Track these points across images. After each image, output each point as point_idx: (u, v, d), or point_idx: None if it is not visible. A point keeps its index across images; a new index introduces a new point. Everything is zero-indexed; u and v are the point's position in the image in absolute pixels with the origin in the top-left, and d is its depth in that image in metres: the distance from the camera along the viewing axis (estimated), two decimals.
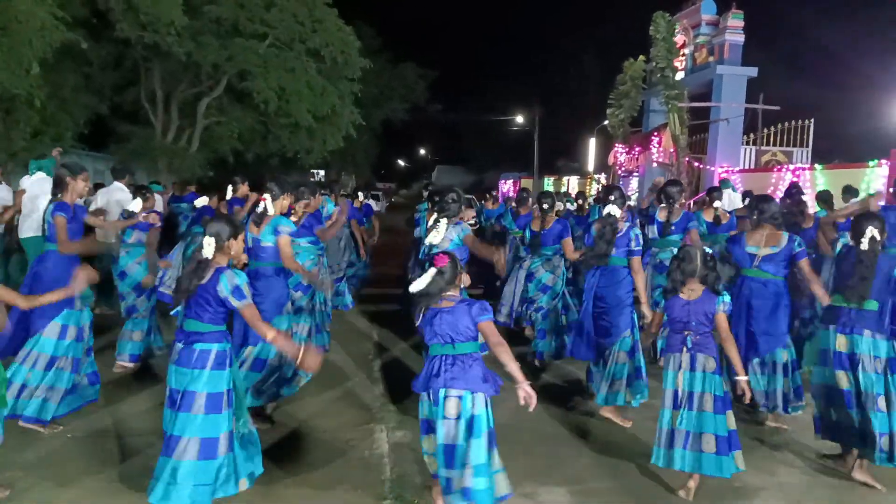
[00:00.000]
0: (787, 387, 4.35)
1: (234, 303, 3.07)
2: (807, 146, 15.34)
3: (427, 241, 4.58)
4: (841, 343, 3.74)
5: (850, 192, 7.10)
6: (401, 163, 63.36)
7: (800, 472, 3.83)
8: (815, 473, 3.81)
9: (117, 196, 6.65)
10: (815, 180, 11.12)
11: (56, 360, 4.04)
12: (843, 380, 3.72)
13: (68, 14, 11.21)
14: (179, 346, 3.13)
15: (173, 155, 16.07)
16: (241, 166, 19.53)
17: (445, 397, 2.97)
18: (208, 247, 3.09)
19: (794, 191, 6.24)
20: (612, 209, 4.59)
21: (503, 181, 32.09)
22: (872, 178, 10.01)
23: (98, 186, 7.99)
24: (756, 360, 4.39)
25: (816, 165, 11.54)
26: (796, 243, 4.33)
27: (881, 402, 3.59)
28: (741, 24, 15.66)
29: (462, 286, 3.26)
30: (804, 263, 4.29)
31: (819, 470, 3.84)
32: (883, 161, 9.90)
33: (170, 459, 3.00)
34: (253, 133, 17.65)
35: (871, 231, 3.69)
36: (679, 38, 16.82)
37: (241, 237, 3.30)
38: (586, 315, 4.71)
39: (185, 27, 12.99)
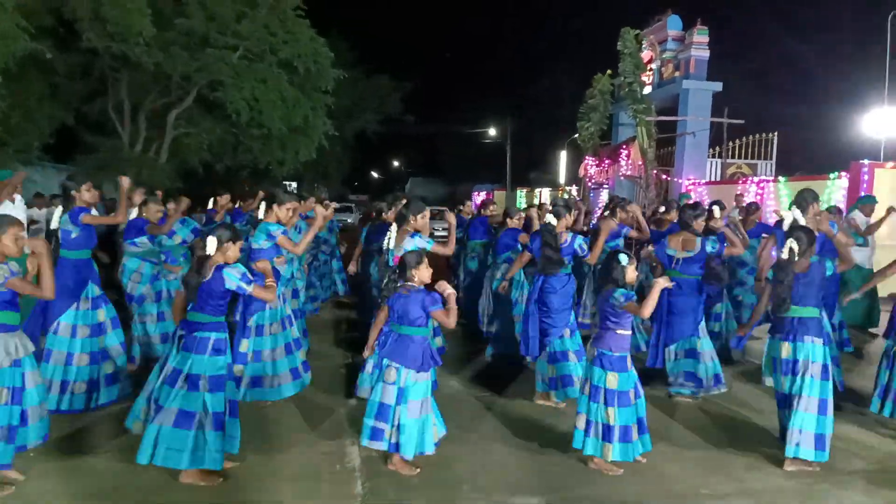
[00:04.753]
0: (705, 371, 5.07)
1: (246, 289, 3.57)
2: (770, 159, 15.75)
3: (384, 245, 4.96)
4: (786, 350, 4.04)
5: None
6: (374, 174, 63.21)
7: (768, 477, 3.89)
8: (783, 478, 3.88)
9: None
10: (779, 192, 11.42)
11: (72, 357, 4.60)
12: (784, 383, 4.04)
13: (33, 23, 11.00)
14: (181, 332, 3.59)
15: (142, 166, 15.79)
16: (211, 178, 19.32)
17: (386, 366, 3.71)
18: (210, 245, 3.55)
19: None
20: (550, 218, 5.01)
21: (476, 192, 32.25)
22: (833, 190, 10.32)
23: (55, 197, 7.88)
24: (673, 347, 5.17)
25: (780, 178, 11.85)
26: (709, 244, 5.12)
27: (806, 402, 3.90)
28: (706, 39, 16.08)
29: (417, 281, 3.78)
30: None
31: (788, 475, 3.91)
32: (843, 173, 10.22)
33: (158, 426, 3.44)
34: (223, 144, 17.46)
35: (789, 243, 4.00)
36: (646, 54, 17.19)
37: (239, 243, 3.72)
38: (530, 317, 5.11)
39: (154, 38, 12.83)
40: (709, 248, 5.16)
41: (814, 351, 3.97)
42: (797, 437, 3.87)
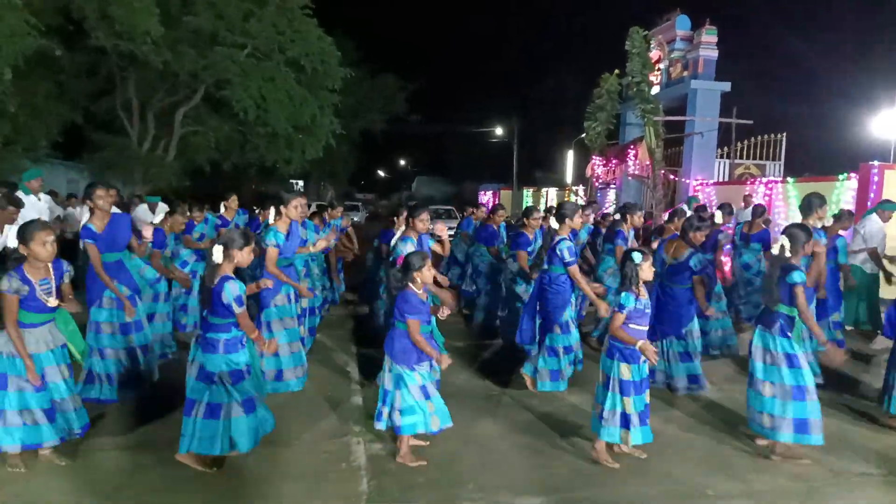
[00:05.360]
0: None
1: (236, 309, 3.62)
2: (779, 160, 15.64)
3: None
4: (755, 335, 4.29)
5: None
6: (381, 173, 63.31)
7: (773, 478, 3.87)
8: (787, 480, 3.86)
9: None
10: (788, 193, 11.36)
11: (103, 351, 4.84)
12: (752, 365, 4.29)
13: (41, 21, 11.06)
14: (199, 332, 3.76)
15: (149, 164, 15.88)
16: (219, 176, 19.37)
17: (385, 355, 4.00)
18: (217, 253, 3.63)
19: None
20: (552, 222, 5.18)
21: (483, 192, 32.23)
22: (842, 192, 10.25)
23: (71, 196, 8.02)
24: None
25: (788, 179, 11.77)
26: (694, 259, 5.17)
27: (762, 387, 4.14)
28: (715, 39, 15.99)
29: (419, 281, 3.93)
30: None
31: (791, 476, 3.89)
32: (852, 175, 10.14)
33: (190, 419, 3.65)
34: (230, 142, 17.52)
35: (781, 240, 4.13)
36: (654, 53, 17.11)
37: (247, 249, 3.75)
38: (527, 310, 5.47)
39: (162, 36, 12.88)
40: (692, 263, 5.20)
41: (772, 341, 4.11)
42: (771, 421, 4.05)
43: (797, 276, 3.98)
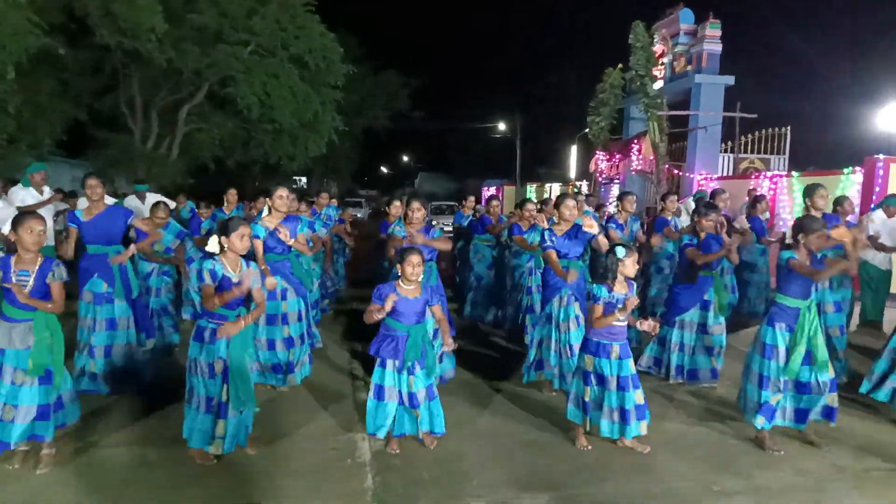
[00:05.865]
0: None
1: (197, 283, 3.72)
2: (784, 153, 15.58)
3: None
4: None
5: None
6: (384, 170, 63.26)
7: (777, 475, 3.86)
8: (791, 475, 3.85)
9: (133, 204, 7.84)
10: (792, 187, 11.31)
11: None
12: None
13: (45, 19, 11.08)
14: None
15: (153, 162, 15.91)
16: (222, 173, 19.39)
17: None
18: (213, 244, 3.76)
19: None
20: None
21: (486, 188, 32.19)
22: (847, 185, 10.20)
23: (72, 194, 8.10)
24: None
25: (793, 173, 11.71)
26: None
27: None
28: (718, 33, 15.91)
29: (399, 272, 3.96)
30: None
31: (797, 473, 3.88)
32: (857, 168, 10.09)
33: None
34: (234, 139, 17.53)
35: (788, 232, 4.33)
36: (658, 47, 17.07)
37: (235, 234, 3.74)
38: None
39: (165, 34, 12.88)
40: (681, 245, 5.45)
41: (761, 328, 4.25)
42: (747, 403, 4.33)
43: (785, 254, 4.09)
